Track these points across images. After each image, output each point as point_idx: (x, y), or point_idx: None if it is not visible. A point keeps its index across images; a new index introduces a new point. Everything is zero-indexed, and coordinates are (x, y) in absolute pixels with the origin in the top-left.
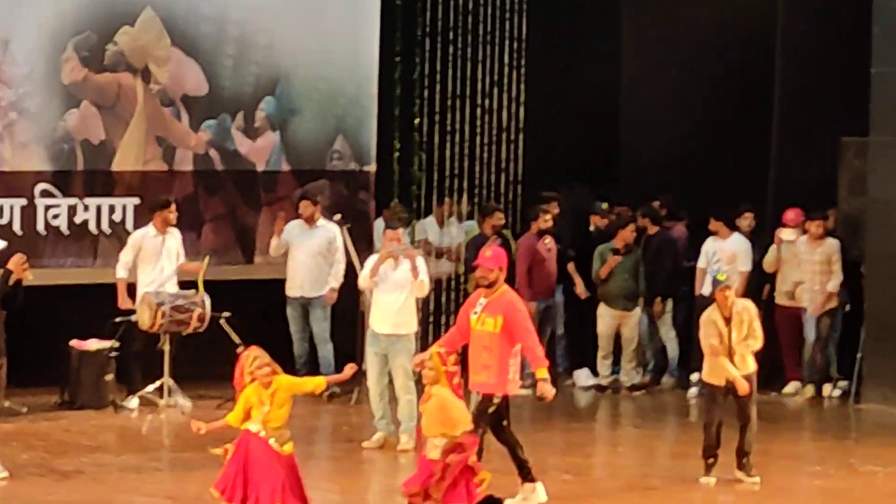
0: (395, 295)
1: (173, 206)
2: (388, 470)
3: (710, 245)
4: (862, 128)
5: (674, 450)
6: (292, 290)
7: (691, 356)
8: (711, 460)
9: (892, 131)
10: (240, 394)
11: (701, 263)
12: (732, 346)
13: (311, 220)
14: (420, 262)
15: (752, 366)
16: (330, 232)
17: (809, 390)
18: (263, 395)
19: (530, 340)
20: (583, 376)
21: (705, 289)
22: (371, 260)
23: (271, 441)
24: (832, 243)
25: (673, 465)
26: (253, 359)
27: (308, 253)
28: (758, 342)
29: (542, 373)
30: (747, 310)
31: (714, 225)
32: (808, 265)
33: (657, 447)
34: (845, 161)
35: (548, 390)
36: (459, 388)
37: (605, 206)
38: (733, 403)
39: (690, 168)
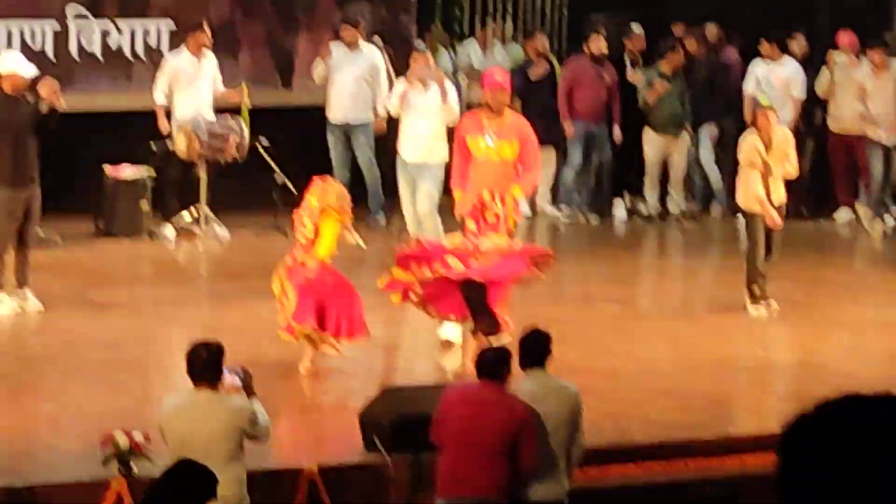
0: (423, 121)
1: (207, 28)
2: None
3: (760, 69)
4: None
5: (721, 278)
6: (334, 115)
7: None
8: (757, 290)
9: None
10: (304, 217)
11: (749, 88)
12: (770, 171)
13: (352, 45)
14: (449, 85)
15: (783, 195)
16: (373, 56)
17: (878, 226)
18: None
19: (537, 171)
20: (624, 211)
21: None
22: (399, 85)
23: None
24: None
25: (720, 294)
26: (341, 195)
27: (350, 78)
28: (794, 171)
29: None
30: (787, 138)
31: (765, 47)
32: (879, 94)
33: (704, 276)
34: None
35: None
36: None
37: (636, 28)
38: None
39: None
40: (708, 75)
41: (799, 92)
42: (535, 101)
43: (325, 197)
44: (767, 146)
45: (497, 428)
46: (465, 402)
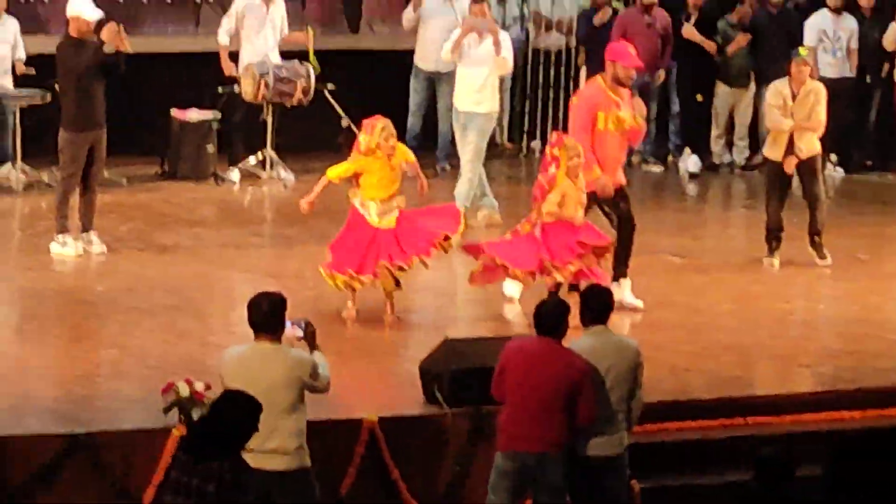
0: (476, 69)
1: None
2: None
3: (823, 21)
4: None
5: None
6: (424, 62)
7: None
8: (774, 242)
9: None
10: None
11: (811, 41)
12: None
13: None
14: (504, 36)
15: (815, 146)
16: (464, 7)
17: None
18: (382, 166)
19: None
20: (691, 163)
21: (822, 69)
22: (454, 33)
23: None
24: None
25: (782, 247)
26: (381, 128)
27: (443, 27)
28: (817, 128)
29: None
30: (816, 92)
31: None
32: None
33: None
34: None
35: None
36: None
37: None
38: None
39: None
40: (772, 26)
41: (855, 43)
42: (599, 48)
43: (374, 136)
44: (794, 96)
45: (555, 383)
46: (524, 356)
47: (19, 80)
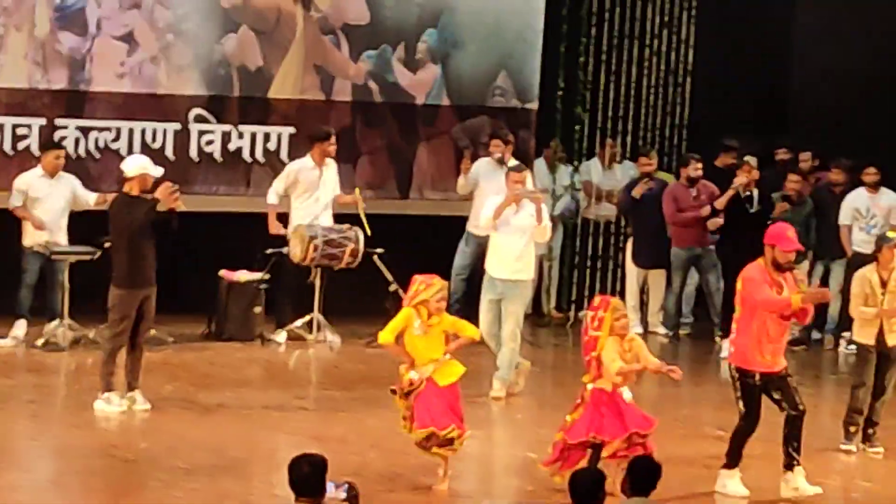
0: (515, 238)
1: (333, 139)
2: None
3: (859, 200)
4: None
5: (832, 409)
6: (477, 228)
7: (844, 314)
8: (853, 428)
9: None
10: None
11: (846, 220)
12: (883, 308)
13: (501, 161)
14: (544, 207)
15: None
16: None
17: None
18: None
19: None
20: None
21: (857, 246)
22: (493, 201)
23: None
24: None
25: (830, 426)
26: (439, 289)
27: (497, 191)
28: None
29: None
30: None
31: (869, 176)
32: None
33: (813, 405)
34: None
35: None
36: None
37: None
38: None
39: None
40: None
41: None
42: (640, 219)
43: (428, 293)
44: (884, 283)
45: None
46: None
47: (70, 237)
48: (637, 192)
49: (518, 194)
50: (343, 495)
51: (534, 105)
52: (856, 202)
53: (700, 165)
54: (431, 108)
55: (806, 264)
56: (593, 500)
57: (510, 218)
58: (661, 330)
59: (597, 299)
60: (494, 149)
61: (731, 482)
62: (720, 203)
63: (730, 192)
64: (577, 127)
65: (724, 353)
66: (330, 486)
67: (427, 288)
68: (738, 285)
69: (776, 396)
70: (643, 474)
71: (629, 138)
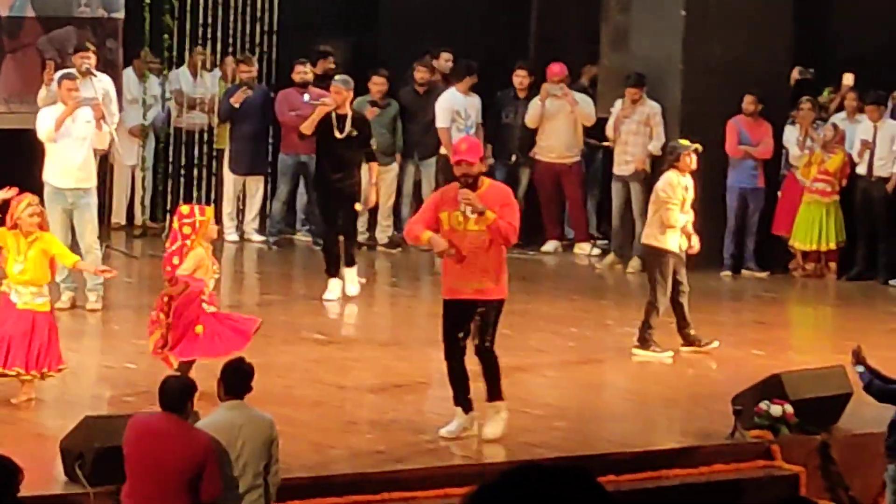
0: (76, 146)
1: None
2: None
3: (455, 101)
4: None
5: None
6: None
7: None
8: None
9: None
10: None
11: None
12: None
13: (85, 74)
14: (105, 113)
15: None
16: (102, 84)
17: (611, 258)
18: (21, 245)
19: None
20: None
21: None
22: (50, 112)
23: (21, 294)
24: (652, 105)
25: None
26: (27, 204)
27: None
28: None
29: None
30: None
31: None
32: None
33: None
34: (608, 16)
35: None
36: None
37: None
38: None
39: None
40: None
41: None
42: (239, 127)
43: (16, 210)
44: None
45: (176, 461)
46: (147, 433)
47: None
48: (236, 101)
49: (77, 102)
50: None
51: (120, 14)
52: (452, 103)
53: (306, 69)
54: (16, 20)
55: (395, 165)
56: (179, 407)
57: (70, 127)
58: (257, 237)
59: (185, 208)
60: (81, 60)
61: None
62: (306, 128)
63: (315, 116)
64: (165, 35)
65: None
66: None
67: (14, 204)
68: None
69: None
70: (234, 376)
71: (219, 45)
